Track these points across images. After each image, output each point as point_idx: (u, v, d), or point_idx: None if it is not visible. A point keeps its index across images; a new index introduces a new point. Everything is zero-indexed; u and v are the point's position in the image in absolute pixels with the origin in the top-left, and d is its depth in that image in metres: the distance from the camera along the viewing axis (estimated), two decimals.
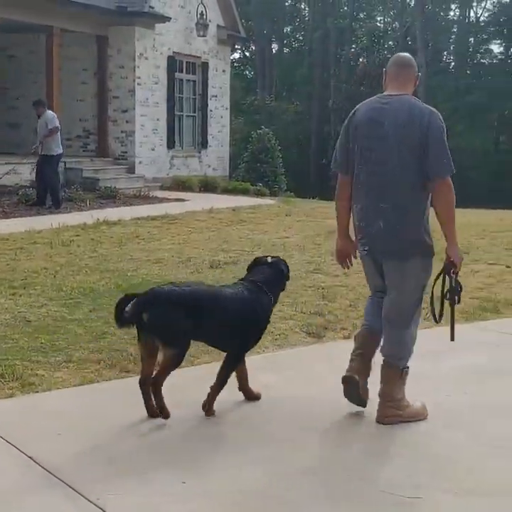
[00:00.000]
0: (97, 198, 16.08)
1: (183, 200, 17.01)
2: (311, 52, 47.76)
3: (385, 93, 4.62)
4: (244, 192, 20.38)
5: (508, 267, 9.71)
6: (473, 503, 3.51)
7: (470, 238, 11.98)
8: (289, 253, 10.23)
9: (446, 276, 4.46)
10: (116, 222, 12.85)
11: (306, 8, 52.36)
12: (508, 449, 4.10)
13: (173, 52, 20.91)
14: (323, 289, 8.06)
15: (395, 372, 4.48)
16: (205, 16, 21.42)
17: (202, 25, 21.33)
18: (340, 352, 5.85)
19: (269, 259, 4.91)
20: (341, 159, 4.66)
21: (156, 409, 4.37)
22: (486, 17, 44.16)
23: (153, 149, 20.46)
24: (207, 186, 20.55)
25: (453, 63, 44.89)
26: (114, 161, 19.75)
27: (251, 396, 4.75)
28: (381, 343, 4.59)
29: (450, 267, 4.43)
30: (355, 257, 4.80)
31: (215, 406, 4.55)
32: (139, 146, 19.91)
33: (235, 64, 49.40)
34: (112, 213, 13.83)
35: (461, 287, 4.52)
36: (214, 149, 23.06)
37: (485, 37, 43.81)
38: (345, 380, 4.56)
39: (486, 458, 4.00)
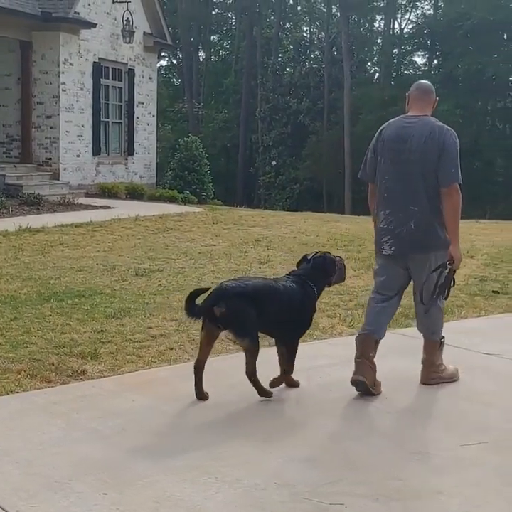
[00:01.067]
0: (20, 205, 15.76)
1: (108, 207, 16.83)
2: (238, 61, 47.95)
3: (408, 114, 5.41)
4: (172, 200, 20.30)
5: None
6: (393, 509, 3.55)
7: None
8: (215, 261, 10.22)
9: (441, 273, 5.11)
10: (40, 229, 12.63)
11: (233, 18, 52.55)
12: (425, 454, 4.16)
13: (99, 58, 20.71)
14: None
15: (434, 344, 5.42)
16: (131, 23, 21.29)
17: (128, 32, 21.18)
18: (265, 359, 5.89)
19: (309, 256, 5.46)
20: (371, 170, 5.44)
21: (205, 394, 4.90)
22: (410, 29, 44.97)
23: (78, 156, 20.21)
24: (133, 193, 20.39)
25: (378, 74, 45.54)
26: (38, 168, 19.42)
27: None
28: (416, 322, 5.56)
29: (450, 264, 5.12)
30: None
31: (137, 418, 4.56)
32: (64, 152, 19.63)
33: (162, 71, 49.34)
34: (35, 220, 13.59)
35: (454, 283, 5.24)
36: (141, 156, 22.91)
37: (409, 48, 44.59)
38: (354, 382, 5.15)
39: (405, 463, 4.06)
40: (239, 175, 44.65)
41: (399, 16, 45.83)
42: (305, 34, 47.57)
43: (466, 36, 38.98)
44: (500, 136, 44.74)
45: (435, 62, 43.96)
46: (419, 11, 45.10)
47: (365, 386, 5.11)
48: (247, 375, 4.86)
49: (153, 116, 23.71)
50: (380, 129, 5.46)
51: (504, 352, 6.26)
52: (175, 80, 54.18)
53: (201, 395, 4.90)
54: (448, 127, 5.35)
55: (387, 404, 4.97)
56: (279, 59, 45.07)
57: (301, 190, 41.77)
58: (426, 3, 44.47)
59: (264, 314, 4.93)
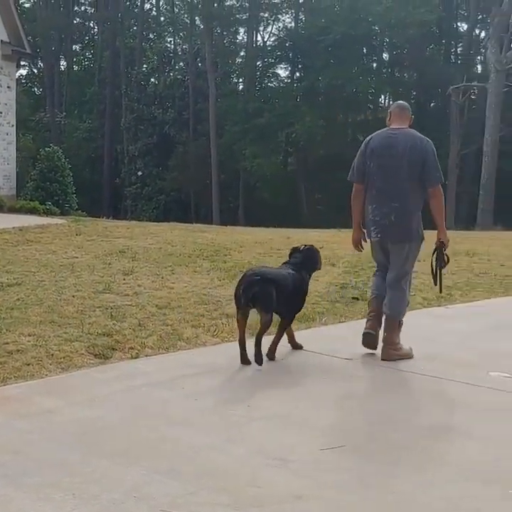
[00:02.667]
0: None
1: None
2: (101, 71, 47.35)
3: (391, 127, 6.54)
4: (33, 211, 19.75)
5: None
6: None
7: (258, 256, 12.30)
8: (77, 273, 9.99)
9: (437, 253, 6.57)
10: None
11: (95, 27, 51.88)
12: (285, 460, 4.18)
13: None
14: (112, 308, 7.92)
15: (395, 324, 6.40)
16: None
17: None
18: (128, 372, 5.81)
19: (301, 248, 6.77)
20: (359, 173, 6.56)
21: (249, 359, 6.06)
22: (272, 41, 45.58)
23: None
24: None
25: (242, 86, 45.94)
26: None
27: (296, 346, 6.55)
28: (385, 303, 6.45)
29: (441, 246, 6.50)
30: (365, 241, 6.72)
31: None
32: None
33: (23, 80, 48.11)
34: None
35: (448, 259, 6.65)
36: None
37: (272, 61, 45.18)
38: (366, 334, 6.46)
39: (265, 469, 4.06)
40: (105, 186, 44.07)
41: (261, 28, 46.46)
42: (169, 45, 47.51)
43: (327, 50, 39.93)
44: None
45: (297, 74, 44.78)
46: (281, 24, 45.84)
47: (374, 338, 6.43)
48: (256, 340, 6.04)
49: (13, 125, 23.00)
50: (367, 139, 6.60)
51: (363, 356, 6.42)
52: (36, 89, 52.94)
53: (245, 360, 6.05)
54: (427, 138, 6.45)
55: (249, 411, 4.98)
56: (143, 69, 44.82)
57: (167, 201, 41.69)
58: (287, 16, 45.25)
59: (279, 296, 6.09)
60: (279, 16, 45.21)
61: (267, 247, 13.72)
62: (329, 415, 4.99)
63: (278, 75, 46.37)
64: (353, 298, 9.13)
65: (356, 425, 4.81)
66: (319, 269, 6.98)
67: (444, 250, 6.55)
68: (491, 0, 34.29)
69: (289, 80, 45.38)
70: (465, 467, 4.18)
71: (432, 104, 46.21)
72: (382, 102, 49.24)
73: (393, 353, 6.33)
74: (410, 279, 6.65)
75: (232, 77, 47.16)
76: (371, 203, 6.52)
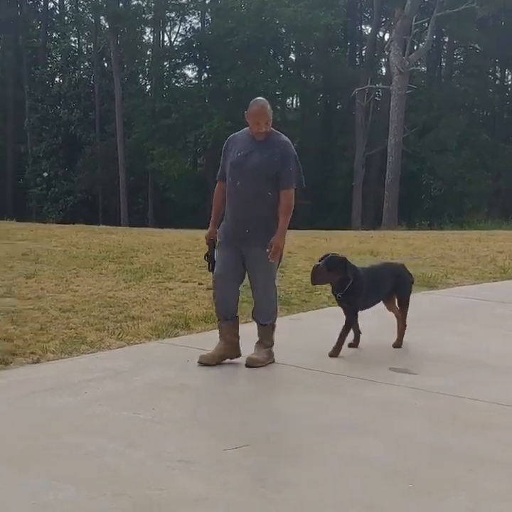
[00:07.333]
0: None
1: None
2: (3, 71, 46.17)
3: None
4: None
5: (200, 283, 9.98)
6: None
7: (165, 257, 12.24)
8: None
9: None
10: None
11: None
12: (188, 462, 4.15)
13: None
14: (12, 313, 7.74)
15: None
16: None
17: None
18: (28, 377, 5.68)
19: None
20: None
21: None
22: (179, 42, 45.25)
23: None
24: None
25: (149, 86, 45.49)
26: None
27: None
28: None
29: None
30: None
31: None
32: None
33: None
34: None
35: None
36: None
37: (179, 61, 44.86)
38: None
39: (167, 472, 4.02)
40: (8, 187, 43.02)
41: (168, 28, 46.12)
42: (73, 44, 46.64)
43: (234, 51, 39.92)
44: None
45: (205, 75, 44.66)
46: (188, 25, 45.59)
47: None
48: None
49: None
50: None
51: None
52: None
53: None
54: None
55: (154, 415, 4.92)
56: (48, 69, 43.93)
57: (75, 202, 40.98)
58: (194, 17, 45.02)
59: None
60: (186, 17, 44.95)
61: (175, 248, 13.67)
62: (233, 416, 4.98)
63: (186, 75, 46.16)
64: None
65: (259, 425, 4.81)
66: None
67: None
68: (394, 3, 34.98)
69: (196, 81, 45.16)
70: (363, 463, 4.24)
71: (338, 106, 46.84)
72: (290, 103, 49.70)
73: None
74: None
75: (139, 78, 46.67)
76: None
